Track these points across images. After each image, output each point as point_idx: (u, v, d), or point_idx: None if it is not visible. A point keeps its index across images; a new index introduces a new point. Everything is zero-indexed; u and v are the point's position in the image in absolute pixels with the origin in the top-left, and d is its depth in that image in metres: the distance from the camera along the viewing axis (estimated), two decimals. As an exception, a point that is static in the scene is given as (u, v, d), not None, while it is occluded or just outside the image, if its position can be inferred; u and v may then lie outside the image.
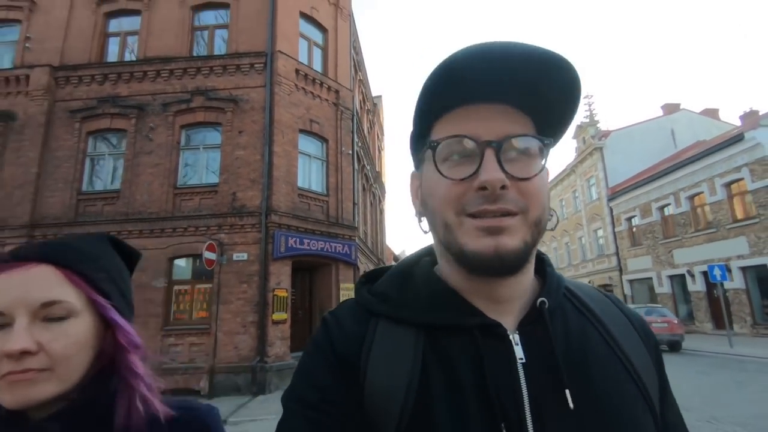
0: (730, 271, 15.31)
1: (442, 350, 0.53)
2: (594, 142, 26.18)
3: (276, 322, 9.47)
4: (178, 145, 10.50)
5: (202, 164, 10.55)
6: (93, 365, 0.64)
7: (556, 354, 0.51)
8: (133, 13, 11.62)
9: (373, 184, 18.38)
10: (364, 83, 17.52)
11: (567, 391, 0.49)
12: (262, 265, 9.55)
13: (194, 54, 11.31)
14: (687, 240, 18.88)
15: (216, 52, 11.30)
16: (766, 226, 15.03)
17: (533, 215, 0.52)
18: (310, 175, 11.31)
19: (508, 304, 0.56)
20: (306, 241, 10.36)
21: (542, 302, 0.55)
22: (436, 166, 0.53)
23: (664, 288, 20.57)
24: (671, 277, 20.22)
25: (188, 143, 10.76)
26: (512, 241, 0.50)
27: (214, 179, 10.34)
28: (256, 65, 10.83)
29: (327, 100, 11.99)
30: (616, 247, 24.33)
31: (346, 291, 10.96)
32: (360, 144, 14.19)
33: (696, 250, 18.28)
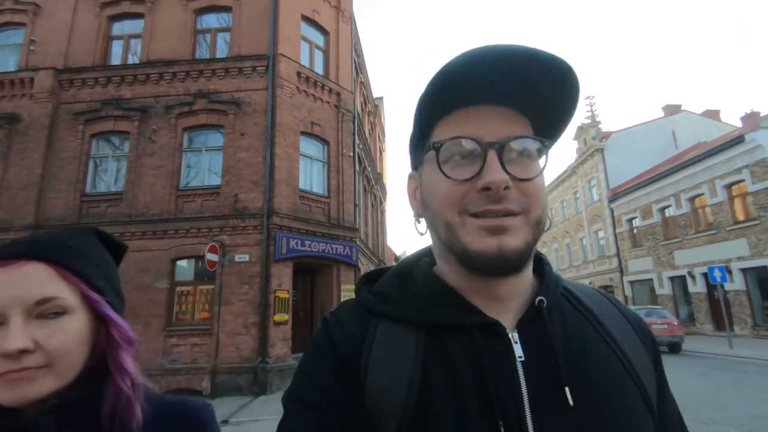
0: (730, 272, 15.33)
1: (442, 349, 0.53)
2: (595, 144, 26.15)
3: (277, 323, 9.53)
4: (181, 147, 10.58)
5: (204, 166, 10.62)
6: (87, 361, 0.64)
7: (555, 352, 0.51)
8: (136, 17, 11.72)
9: (374, 186, 18.41)
10: (365, 85, 17.57)
11: (567, 389, 0.49)
12: (263, 267, 9.61)
13: (197, 57, 11.39)
14: (688, 241, 18.86)
15: (218, 55, 11.39)
16: (767, 228, 15.02)
17: (534, 215, 0.53)
18: (311, 177, 11.36)
19: (507, 302, 0.56)
20: (307, 242, 10.41)
21: (541, 301, 0.55)
22: (439, 166, 0.54)
23: (664, 289, 20.56)
24: (672, 279, 20.20)
25: (190, 145, 10.84)
26: (515, 240, 0.50)
27: (216, 181, 10.40)
28: (258, 68, 10.90)
29: (328, 102, 12.05)
30: (617, 249, 24.30)
31: (347, 292, 10.97)
32: (361, 146, 14.24)
33: (697, 251, 18.27)
